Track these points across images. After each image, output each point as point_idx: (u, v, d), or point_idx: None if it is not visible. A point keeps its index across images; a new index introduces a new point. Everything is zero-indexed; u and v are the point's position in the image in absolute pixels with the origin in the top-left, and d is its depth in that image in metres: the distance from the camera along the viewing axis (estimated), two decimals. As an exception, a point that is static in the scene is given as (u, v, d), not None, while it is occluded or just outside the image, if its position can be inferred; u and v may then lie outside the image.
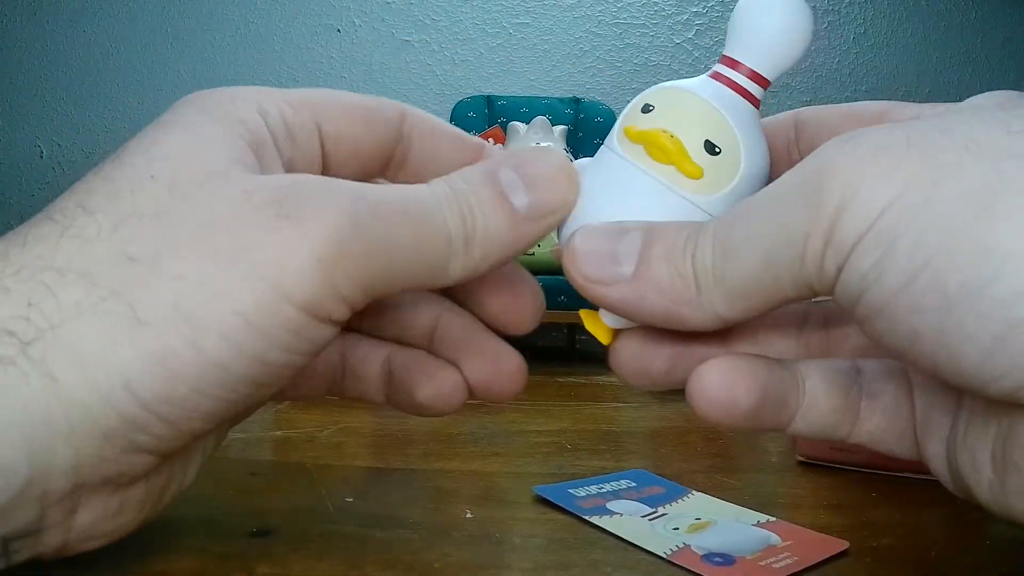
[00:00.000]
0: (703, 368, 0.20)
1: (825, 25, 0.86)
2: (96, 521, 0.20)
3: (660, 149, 0.22)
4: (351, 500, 0.30)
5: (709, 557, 0.25)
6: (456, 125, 0.89)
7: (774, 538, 0.26)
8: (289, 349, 0.20)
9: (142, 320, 0.18)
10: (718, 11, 0.86)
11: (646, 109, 0.23)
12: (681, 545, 0.25)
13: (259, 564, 0.24)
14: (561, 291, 0.64)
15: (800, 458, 0.37)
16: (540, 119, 0.70)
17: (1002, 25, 0.87)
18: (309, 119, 0.24)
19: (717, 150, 0.22)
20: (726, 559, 0.25)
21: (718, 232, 0.19)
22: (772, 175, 0.22)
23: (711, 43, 0.86)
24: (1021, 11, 0.87)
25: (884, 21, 0.86)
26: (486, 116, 0.79)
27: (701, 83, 0.23)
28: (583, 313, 0.24)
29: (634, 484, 0.32)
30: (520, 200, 0.22)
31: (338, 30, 0.86)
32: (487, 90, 0.84)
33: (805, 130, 0.24)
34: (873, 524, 0.29)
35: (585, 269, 0.20)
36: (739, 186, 0.22)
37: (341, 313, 0.20)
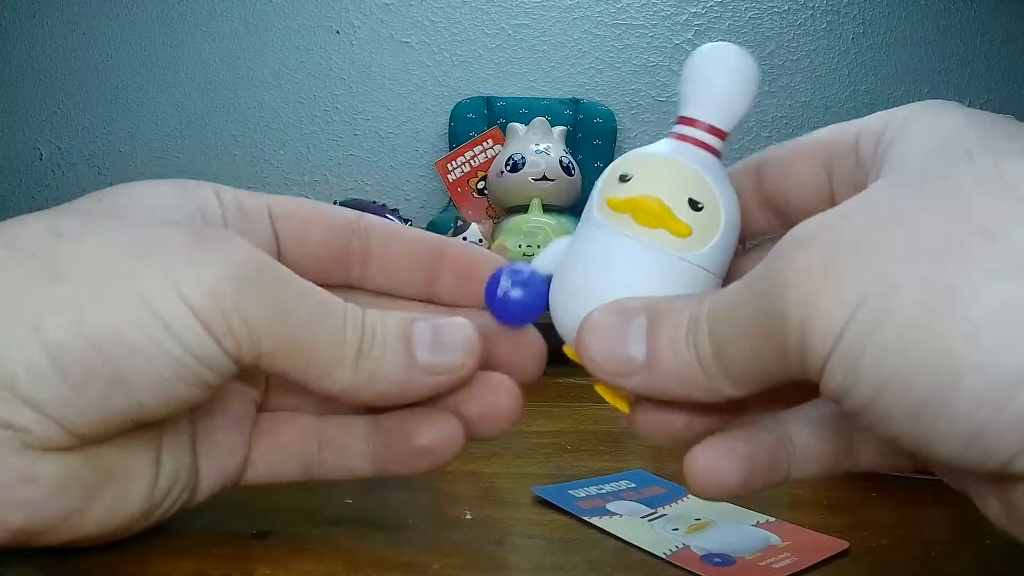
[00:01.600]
0: (691, 455, 0.21)
1: (824, 25, 0.86)
2: (4, 480, 0.21)
3: (649, 214, 0.23)
4: (351, 501, 0.30)
5: (709, 558, 0.25)
6: (456, 126, 0.89)
7: (774, 538, 0.26)
8: (185, 347, 0.21)
9: (58, 274, 0.21)
10: (717, 11, 0.86)
11: (624, 178, 0.24)
12: (680, 546, 0.25)
13: (259, 565, 0.24)
14: (561, 292, 0.64)
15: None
16: (539, 120, 0.70)
17: (1002, 25, 0.87)
18: (261, 202, 0.26)
19: (700, 206, 0.23)
20: (726, 559, 0.25)
21: (711, 327, 0.19)
22: (744, 225, 0.24)
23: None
24: (1021, 11, 0.87)
25: (884, 21, 0.86)
26: (485, 117, 0.79)
27: (669, 145, 0.24)
28: (599, 388, 0.24)
29: (634, 485, 0.32)
30: (422, 355, 0.23)
31: (337, 31, 0.86)
32: (486, 91, 0.84)
33: (768, 171, 0.24)
34: (873, 524, 0.29)
35: (602, 364, 0.21)
36: (724, 235, 0.23)
37: (230, 346, 0.22)
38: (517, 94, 0.84)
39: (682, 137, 0.24)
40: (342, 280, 0.28)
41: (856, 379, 0.16)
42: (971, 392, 0.15)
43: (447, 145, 0.81)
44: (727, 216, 0.23)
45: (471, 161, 0.73)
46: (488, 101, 0.81)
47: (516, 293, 0.25)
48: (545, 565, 0.25)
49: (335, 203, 0.30)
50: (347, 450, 0.26)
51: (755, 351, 0.18)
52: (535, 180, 0.67)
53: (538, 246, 0.64)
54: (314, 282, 0.23)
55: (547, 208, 0.67)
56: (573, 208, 0.71)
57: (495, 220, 0.71)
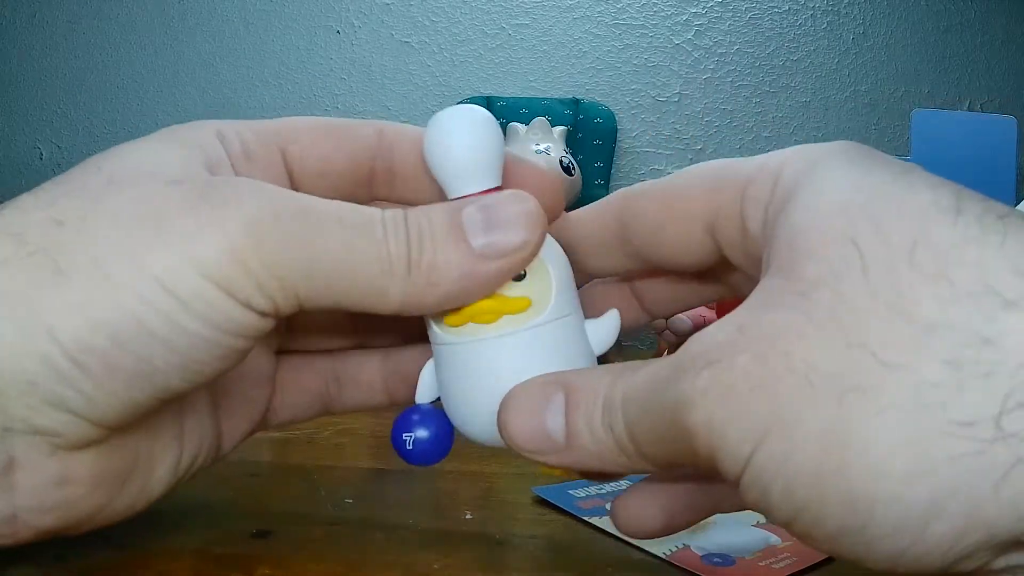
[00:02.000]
0: (618, 502, 0.22)
1: (824, 25, 0.86)
2: (37, 488, 0.20)
3: (486, 312, 0.23)
4: (351, 501, 0.30)
5: (708, 557, 0.25)
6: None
7: (774, 538, 0.26)
8: (210, 323, 0.20)
9: (64, 270, 0.19)
10: (717, 11, 0.86)
11: None
12: (680, 546, 0.25)
13: (259, 565, 0.24)
14: (561, 292, 0.64)
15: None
16: (539, 120, 0.70)
17: (1002, 25, 0.87)
18: (272, 142, 0.24)
19: (522, 274, 0.23)
20: (726, 559, 0.25)
21: (625, 415, 0.19)
22: (602, 267, 0.24)
23: (711, 43, 0.86)
24: (1021, 11, 0.87)
25: (884, 21, 0.86)
26: (486, 117, 0.79)
27: None
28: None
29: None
30: (478, 240, 0.21)
31: (337, 31, 0.86)
32: (486, 91, 0.84)
33: (636, 226, 0.23)
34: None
35: (523, 444, 0.21)
36: (559, 280, 0.23)
37: (263, 304, 0.20)
38: (517, 94, 0.84)
39: None
40: (368, 200, 0.26)
41: (769, 502, 0.16)
42: (886, 523, 0.15)
43: (447, 145, 0.81)
44: (552, 263, 0.24)
45: (471, 161, 0.73)
46: (488, 101, 0.81)
47: (423, 434, 0.25)
48: (545, 565, 0.25)
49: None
50: (364, 386, 0.27)
51: (669, 448, 0.18)
52: (535, 180, 0.67)
53: (538, 246, 0.64)
54: None
55: (547, 208, 0.67)
56: (573, 208, 0.71)
57: (495, 220, 0.71)
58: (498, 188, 0.24)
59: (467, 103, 0.92)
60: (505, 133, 0.71)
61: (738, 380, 0.16)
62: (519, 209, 0.22)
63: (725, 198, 0.21)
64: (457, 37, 0.86)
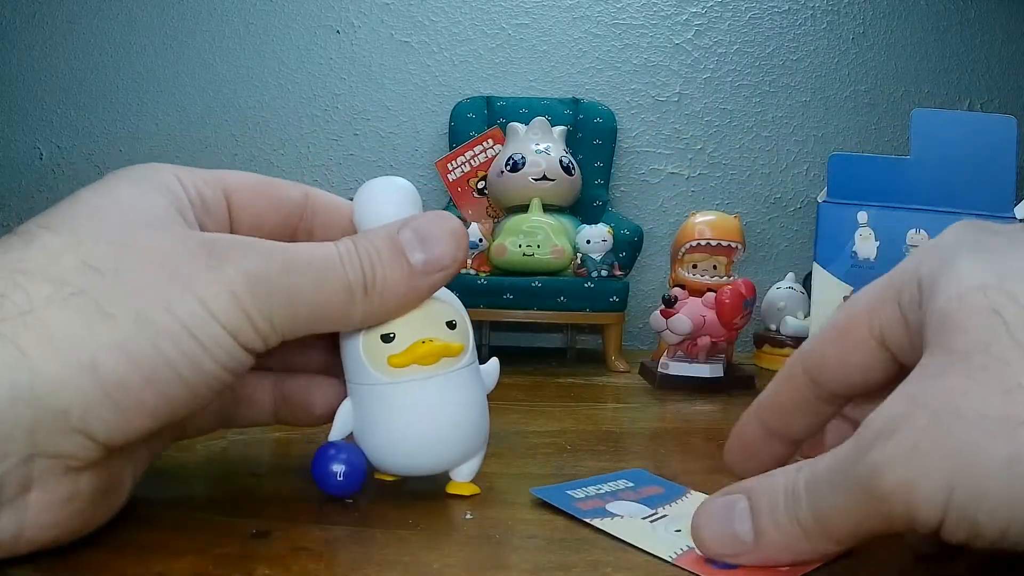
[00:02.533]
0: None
1: (824, 25, 0.86)
2: (50, 505, 0.22)
3: (429, 355, 0.28)
4: (351, 501, 0.30)
5: (712, 560, 0.24)
6: (456, 126, 0.89)
7: None
8: (219, 362, 0.23)
9: (108, 313, 0.22)
10: (717, 11, 0.86)
11: (387, 338, 0.28)
12: (685, 548, 0.25)
13: (259, 565, 0.24)
14: (560, 291, 0.64)
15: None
16: (539, 119, 0.70)
17: (1002, 25, 0.86)
18: (219, 192, 0.28)
19: (454, 323, 0.29)
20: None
21: (810, 501, 0.22)
22: (804, 430, 0.27)
23: (710, 43, 0.86)
24: (1020, 11, 0.87)
25: (884, 21, 0.86)
26: (485, 117, 0.79)
27: None
28: (449, 487, 0.30)
29: (631, 484, 0.32)
30: (416, 257, 0.27)
31: (337, 31, 0.86)
32: (486, 91, 0.84)
33: (815, 368, 0.26)
34: (873, 524, 0.29)
35: (718, 550, 0.23)
36: (470, 328, 0.29)
37: (257, 343, 0.24)
38: (517, 94, 0.84)
39: None
40: None
41: (977, 532, 0.19)
42: None
43: (447, 145, 0.81)
44: (466, 316, 0.29)
45: (471, 161, 0.73)
46: (488, 101, 0.81)
47: (350, 466, 0.29)
48: (545, 565, 0.25)
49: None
50: (256, 405, 0.32)
51: (858, 522, 0.21)
52: (535, 180, 0.67)
53: (538, 246, 0.64)
54: None
55: (547, 208, 0.67)
56: (573, 208, 0.71)
57: (495, 220, 0.71)
58: None
59: (467, 103, 0.92)
60: (505, 133, 0.71)
61: (921, 440, 0.19)
62: (445, 227, 0.27)
63: (886, 312, 0.24)
64: (457, 37, 0.86)
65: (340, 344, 0.29)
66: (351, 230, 0.30)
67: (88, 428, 0.21)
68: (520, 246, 0.64)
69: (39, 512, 0.22)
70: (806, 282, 0.70)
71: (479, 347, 0.56)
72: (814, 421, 0.27)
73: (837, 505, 0.21)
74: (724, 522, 0.23)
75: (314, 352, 0.32)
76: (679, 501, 0.30)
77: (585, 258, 0.64)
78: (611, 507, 0.29)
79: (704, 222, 0.57)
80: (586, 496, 0.30)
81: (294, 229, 0.30)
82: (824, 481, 0.21)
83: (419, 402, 0.28)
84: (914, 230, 0.44)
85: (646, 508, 0.29)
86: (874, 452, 0.20)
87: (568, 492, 0.30)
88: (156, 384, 0.22)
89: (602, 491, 0.31)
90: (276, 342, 0.25)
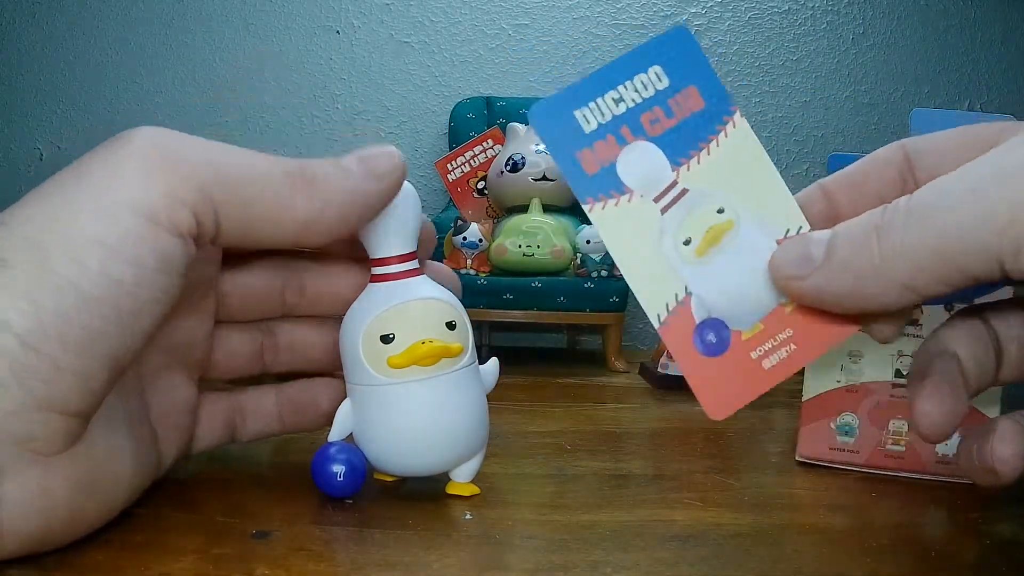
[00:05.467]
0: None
1: (824, 25, 0.86)
2: (24, 497, 0.21)
3: (429, 356, 0.28)
4: (351, 501, 0.30)
5: (702, 331, 0.23)
6: (456, 126, 0.89)
7: (783, 298, 0.23)
8: (139, 264, 0.22)
9: (8, 263, 0.21)
10: (717, 11, 0.86)
11: (387, 339, 0.28)
12: (681, 297, 0.23)
13: (259, 565, 0.24)
14: (560, 292, 0.64)
15: (800, 458, 0.37)
16: (540, 120, 0.70)
17: (1002, 25, 0.86)
18: (217, 256, 0.29)
19: (453, 324, 0.29)
20: (720, 340, 0.23)
21: (912, 201, 0.20)
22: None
23: (710, 43, 0.86)
24: (1020, 10, 0.87)
25: (884, 21, 0.86)
26: (485, 117, 0.79)
27: (393, 290, 0.29)
28: (448, 487, 0.30)
29: (665, 85, 0.25)
30: (353, 166, 0.27)
31: (337, 31, 0.86)
32: (486, 91, 0.84)
33: (922, 160, 0.25)
34: (873, 524, 0.29)
35: (783, 270, 0.22)
36: (470, 329, 0.30)
37: (187, 222, 0.23)
38: (517, 94, 0.84)
39: (396, 276, 0.29)
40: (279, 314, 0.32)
41: None
42: None
43: (447, 145, 0.81)
44: (467, 319, 0.30)
45: (471, 161, 0.73)
46: (488, 101, 0.81)
47: (339, 468, 0.29)
48: (545, 565, 0.25)
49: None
50: (263, 416, 0.32)
51: (960, 223, 0.19)
52: (535, 180, 0.67)
53: (538, 246, 0.64)
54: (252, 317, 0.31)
55: (547, 208, 0.67)
56: (573, 208, 0.71)
57: (495, 220, 0.71)
58: (414, 253, 0.29)
59: (467, 103, 0.91)
60: (505, 133, 0.71)
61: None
62: (382, 148, 0.27)
63: (993, 127, 0.24)
64: (457, 37, 0.86)
65: (340, 344, 0.29)
66: (340, 296, 0.31)
67: (35, 396, 0.21)
68: (520, 246, 0.64)
69: (14, 505, 0.21)
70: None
71: (479, 347, 0.56)
72: (883, 199, 0.25)
73: (950, 197, 0.20)
74: (801, 246, 0.22)
75: (335, 246, 0.31)
76: (715, 141, 0.24)
77: (585, 258, 0.64)
78: (624, 157, 0.24)
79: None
80: (599, 123, 0.25)
81: (280, 297, 0.32)
82: (939, 188, 0.20)
83: (419, 403, 0.28)
84: (914, 230, 0.44)
85: (666, 166, 0.24)
86: (991, 192, 0.19)
87: (574, 112, 0.25)
88: (72, 317, 0.21)
89: (621, 108, 0.25)
90: (210, 222, 0.24)
